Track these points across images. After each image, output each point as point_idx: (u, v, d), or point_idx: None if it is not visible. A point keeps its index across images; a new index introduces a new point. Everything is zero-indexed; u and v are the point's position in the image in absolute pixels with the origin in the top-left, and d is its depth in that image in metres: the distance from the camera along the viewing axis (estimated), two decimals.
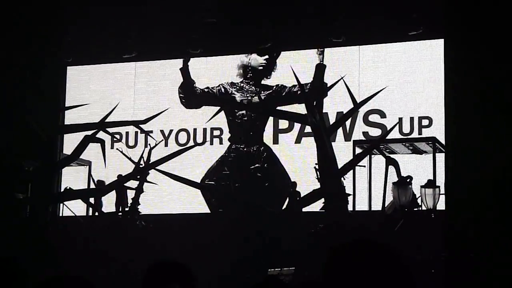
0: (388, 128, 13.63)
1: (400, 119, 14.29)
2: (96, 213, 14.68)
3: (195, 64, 16.12)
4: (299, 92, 14.11)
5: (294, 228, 12.79)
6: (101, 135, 14.13)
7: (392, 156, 13.20)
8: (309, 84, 14.51)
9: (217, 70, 16.01)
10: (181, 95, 15.63)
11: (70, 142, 15.31)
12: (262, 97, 14.60)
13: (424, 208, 12.39)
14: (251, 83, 14.97)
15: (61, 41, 15.55)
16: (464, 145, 5.91)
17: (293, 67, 13.90)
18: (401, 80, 14.76)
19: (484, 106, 5.87)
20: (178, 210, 15.46)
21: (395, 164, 12.70)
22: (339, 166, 12.86)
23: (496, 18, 5.91)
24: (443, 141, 12.45)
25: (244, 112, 14.78)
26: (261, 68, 14.93)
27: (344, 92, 13.29)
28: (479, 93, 5.90)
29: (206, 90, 15.38)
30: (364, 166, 13.10)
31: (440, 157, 12.48)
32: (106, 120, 14.31)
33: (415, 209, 12.46)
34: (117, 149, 14.99)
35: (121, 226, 14.28)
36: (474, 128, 5.88)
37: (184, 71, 15.50)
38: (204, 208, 15.26)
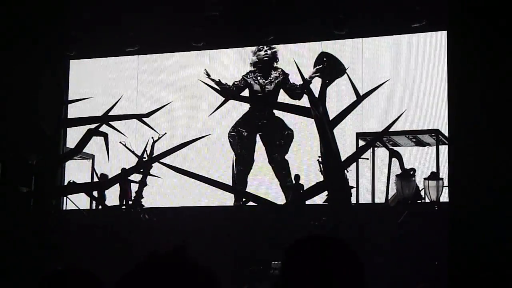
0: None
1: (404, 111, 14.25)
2: (100, 207, 14.70)
3: (198, 57, 16.13)
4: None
5: (297, 221, 12.78)
6: (104, 128, 14.13)
7: (395, 148, 13.18)
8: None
9: (219, 64, 16.02)
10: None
11: (73, 135, 15.32)
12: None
13: (427, 200, 12.39)
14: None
15: (64, 35, 15.54)
16: (467, 137, 5.90)
17: (296, 60, 13.87)
18: (404, 72, 14.73)
19: (487, 98, 5.86)
20: (181, 203, 15.47)
21: (398, 157, 12.68)
22: (342, 158, 12.84)
23: (500, 9, 5.90)
24: (446, 133, 12.42)
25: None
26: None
27: (347, 84, 13.27)
28: (483, 84, 5.89)
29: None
30: (368, 159, 13.08)
31: (444, 149, 12.46)
32: (109, 114, 14.31)
33: (418, 201, 12.46)
34: (120, 142, 14.95)
35: (125, 219, 14.31)
36: (477, 120, 5.88)
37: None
38: (207, 201, 15.26)
